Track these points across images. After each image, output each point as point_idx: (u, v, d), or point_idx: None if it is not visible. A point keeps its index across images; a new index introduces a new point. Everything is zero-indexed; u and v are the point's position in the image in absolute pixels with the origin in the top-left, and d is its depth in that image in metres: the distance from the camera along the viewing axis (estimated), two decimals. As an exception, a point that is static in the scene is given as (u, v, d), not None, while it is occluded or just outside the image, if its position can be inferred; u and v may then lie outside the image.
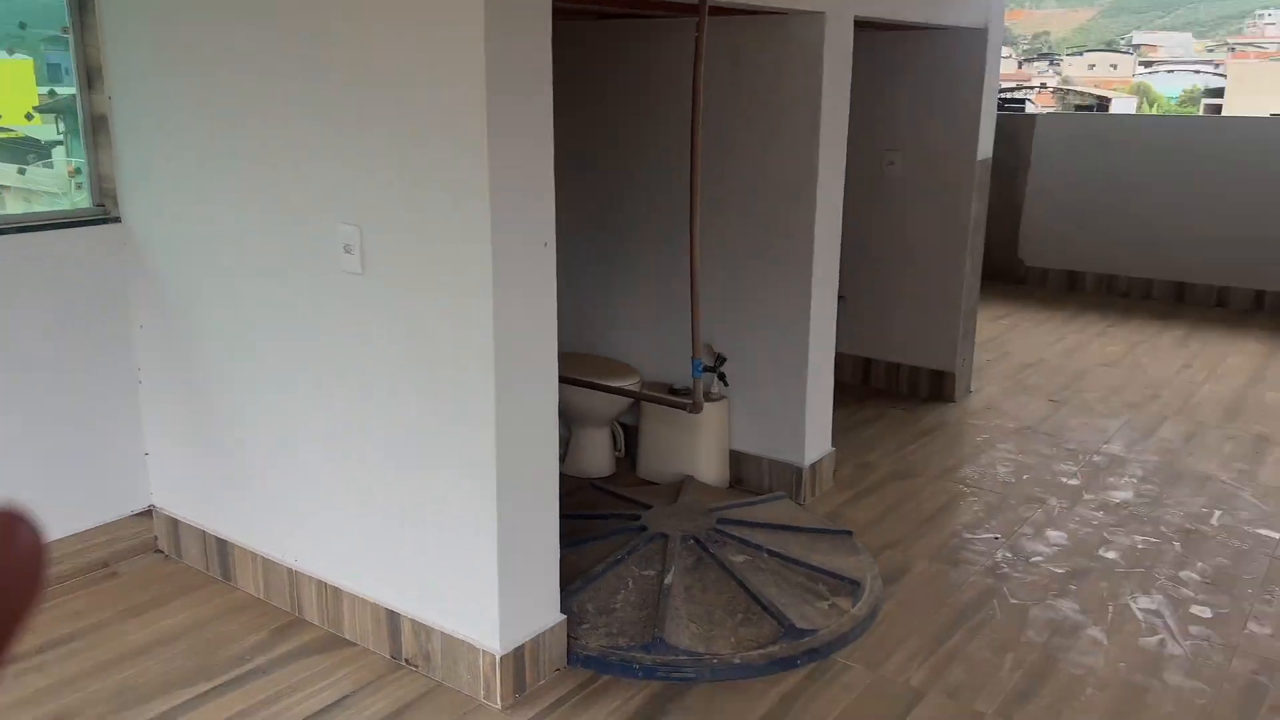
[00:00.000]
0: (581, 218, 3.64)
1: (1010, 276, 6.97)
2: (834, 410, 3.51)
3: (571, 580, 2.63)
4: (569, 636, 2.45)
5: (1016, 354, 5.21)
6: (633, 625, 2.53)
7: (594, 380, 3.31)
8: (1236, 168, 6.14)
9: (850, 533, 3.07)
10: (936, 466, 3.72)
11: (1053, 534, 3.16)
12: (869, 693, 2.36)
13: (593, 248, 3.68)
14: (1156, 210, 6.41)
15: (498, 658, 2.25)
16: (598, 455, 3.54)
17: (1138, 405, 4.41)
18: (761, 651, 2.47)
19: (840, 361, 4.41)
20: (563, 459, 3.36)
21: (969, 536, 3.14)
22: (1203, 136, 6.34)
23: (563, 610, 2.44)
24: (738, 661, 2.45)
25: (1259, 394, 4.57)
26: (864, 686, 2.38)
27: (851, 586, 2.76)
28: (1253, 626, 2.63)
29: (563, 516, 2.42)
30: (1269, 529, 3.20)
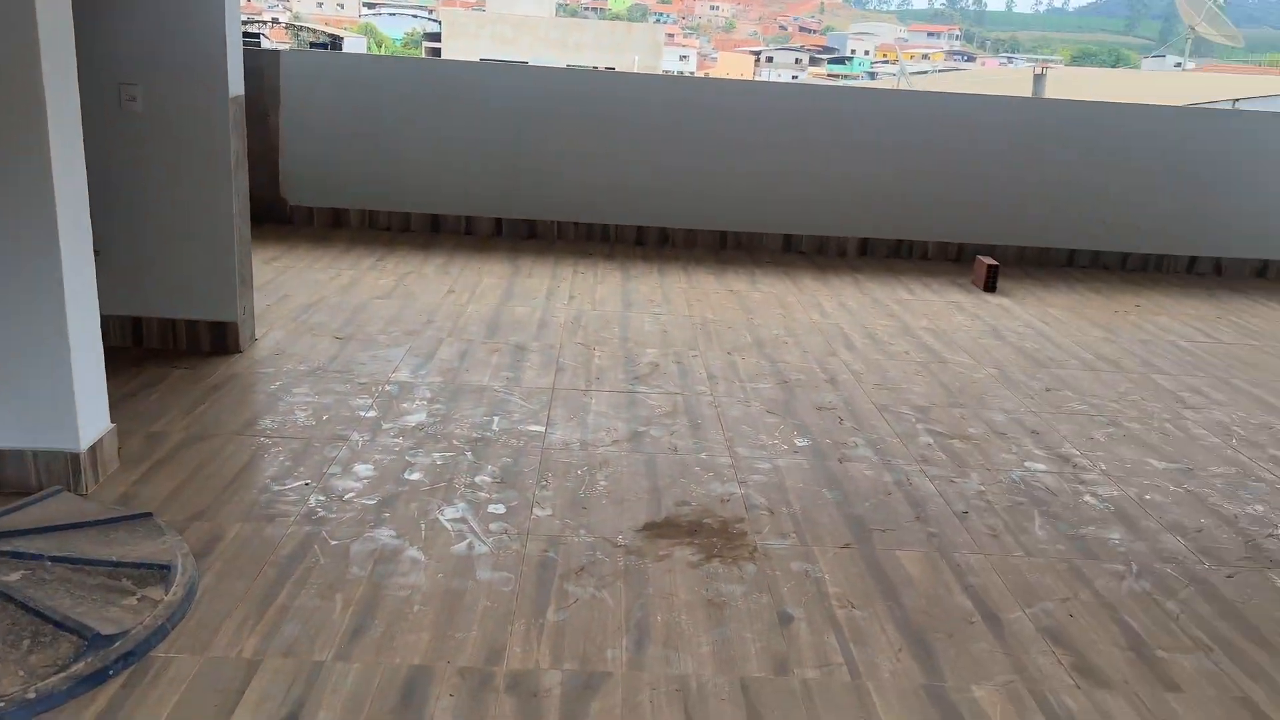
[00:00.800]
0: None
1: (276, 217, 6.87)
2: (108, 381, 3.10)
3: None
4: None
5: (296, 296, 5.19)
6: None
7: None
8: (451, 107, 6.83)
9: (150, 514, 2.77)
10: (233, 423, 3.54)
11: (360, 468, 3.25)
12: (200, 679, 2.18)
13: None
14: (407, 147, 6.85)
15: None
16: None
17: (416, 332, 4.72)
18: (63, 675, 2.12)
19: (106, 324, 3.92)
20: None
21: (279, 489, 3.07)
22: (432, 75, 6.91)
23: None
24: (32, 696, 2.06)
25: (511, 309, 5.23)
26: (193, 675, 2.20)
27: (161, 572, 2.50)
28: (537, 512, 3.03)
29: None
30: (536, 425, 3.70)
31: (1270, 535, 3.22)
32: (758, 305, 5.65)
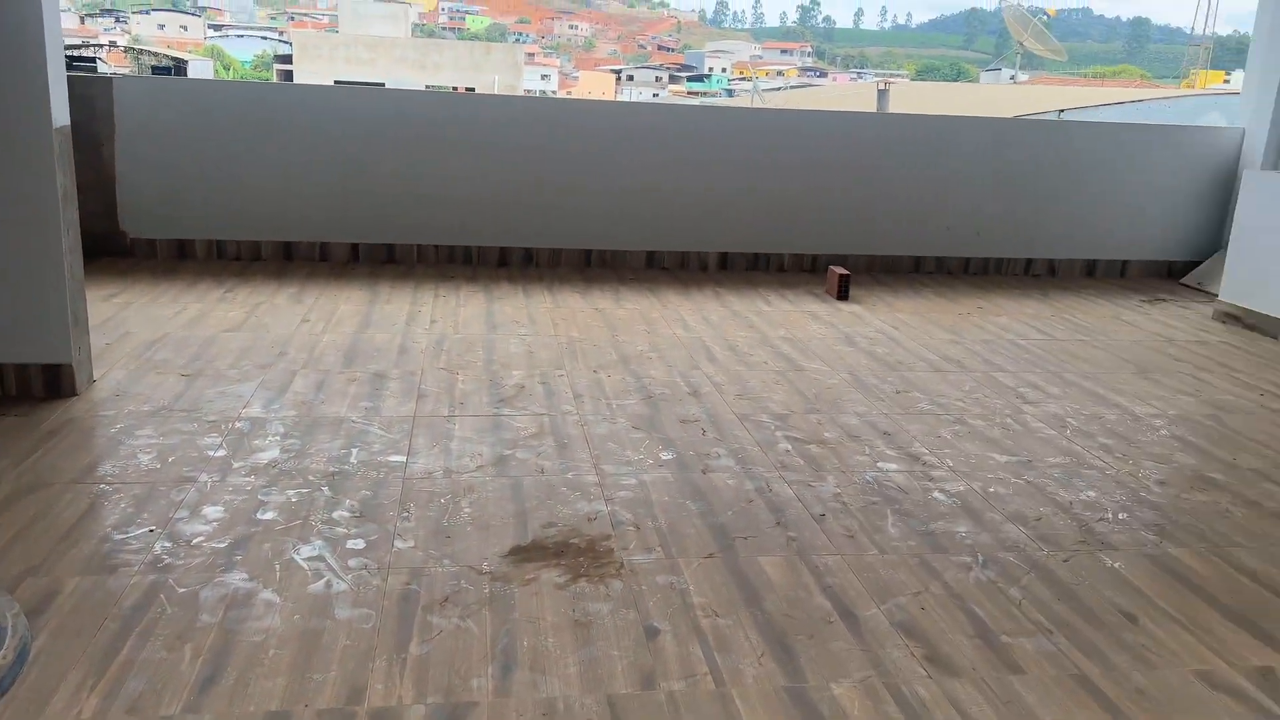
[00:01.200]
0: None
1: (115, 250, 6.55)
2: (-78, 434, 2.89)
3: None
4: None
5: (138, 333, 4.95)
6: None
7: None
8: (302, 132, 6.67)
9: (-26, 574, 2.59)
10: (70, 470, 3.35)
11: (210, 510, 3.12)
12: (35, 748, 2.05)
13: None
14: (256, 173, 6.64)
15: None
16: None
17: (268, 365, 4.57)
18: (-125, 757, 1.96)
19: (-81, 373, 3.65)
20: None
21: (121, 537, 2.92)
22: (282, 99, 6.72)
23: None
24: None
25: (370, 337, 5.12)
26: (28, 744, 2.06)
27: (-11, 636, 2.34)
28: (398, 544, 2.98)
29: None
30: (397, 455, 3.63)
31: (1101, 519, 3.44)
32: (623, 322, 5.70)
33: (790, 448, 3.94)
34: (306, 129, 6.67)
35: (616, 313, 5.91)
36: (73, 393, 3.99)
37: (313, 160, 6.70)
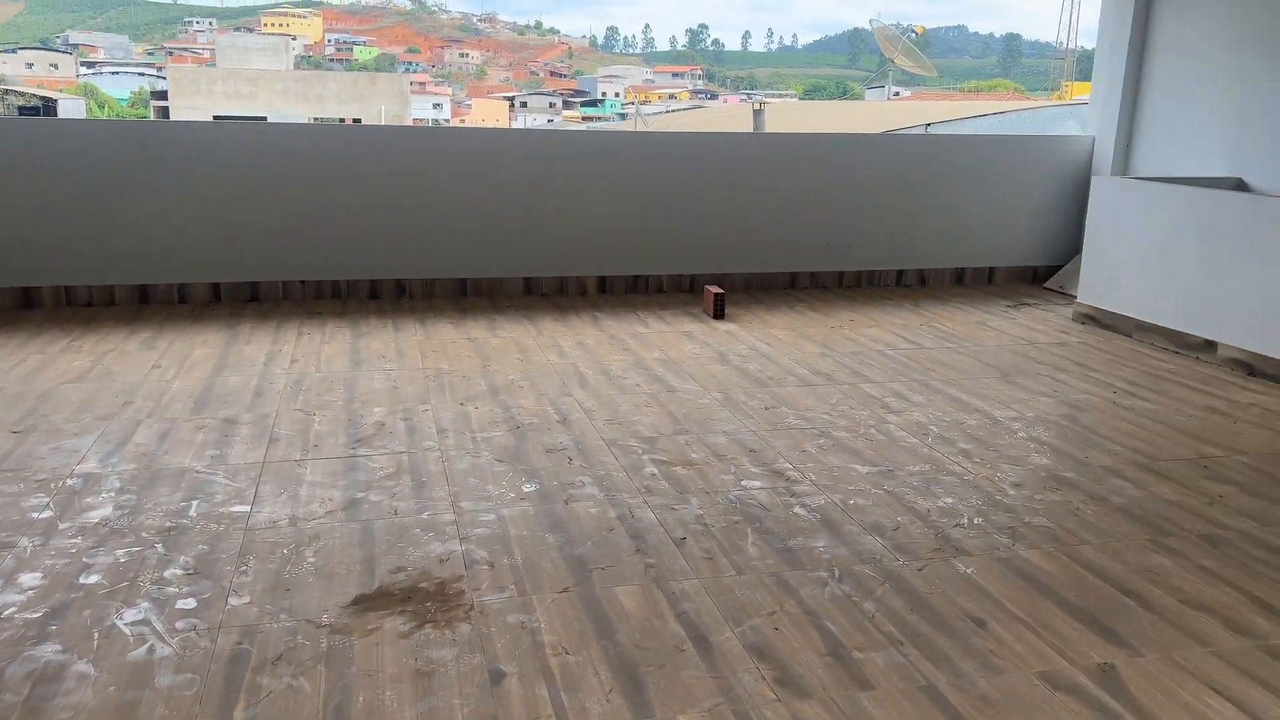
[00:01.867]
0: None
1: (-47, 301, 6.16)
2: None
3: None
4: None
5: (-31, 388, 4.64)
6: None
7: None
8: (153, 170, 6.41)
9: None
10: (-128, 544, 3.09)
11: (26, 578, 2.91)
12: None
13: None
14: (110, 215, 6.33)
15: None
16: None
17: (110, 415, 4.33)
18: None
19: None
20: None
21: (-77, 615, 2.69)
22: (144, 137, 6.44)
23: None
24: None
25: (224, 380, 4.91)
26: None
27: None
28: (233, 600, 2.82)
29: None
30: (241, 504, 3.46)
31: (957, 525, 3.48)
32: (496, 352, 5.60)
33: (656, 471, 3.89)
34: (164, 167, 6.40)
35: (490, 342, 5.80)
36: (-116, 459, 3.70)
37: (170, 199, 6.43)
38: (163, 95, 42.20)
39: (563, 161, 7.11)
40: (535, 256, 7.14)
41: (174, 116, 32.15)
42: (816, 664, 2.59)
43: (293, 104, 31.67)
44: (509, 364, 5.36)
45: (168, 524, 3.29)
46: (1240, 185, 6.81)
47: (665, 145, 7.46)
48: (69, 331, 5.73)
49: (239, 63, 33.95)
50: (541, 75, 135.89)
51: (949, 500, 3.69)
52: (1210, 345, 5.78)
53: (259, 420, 4.34)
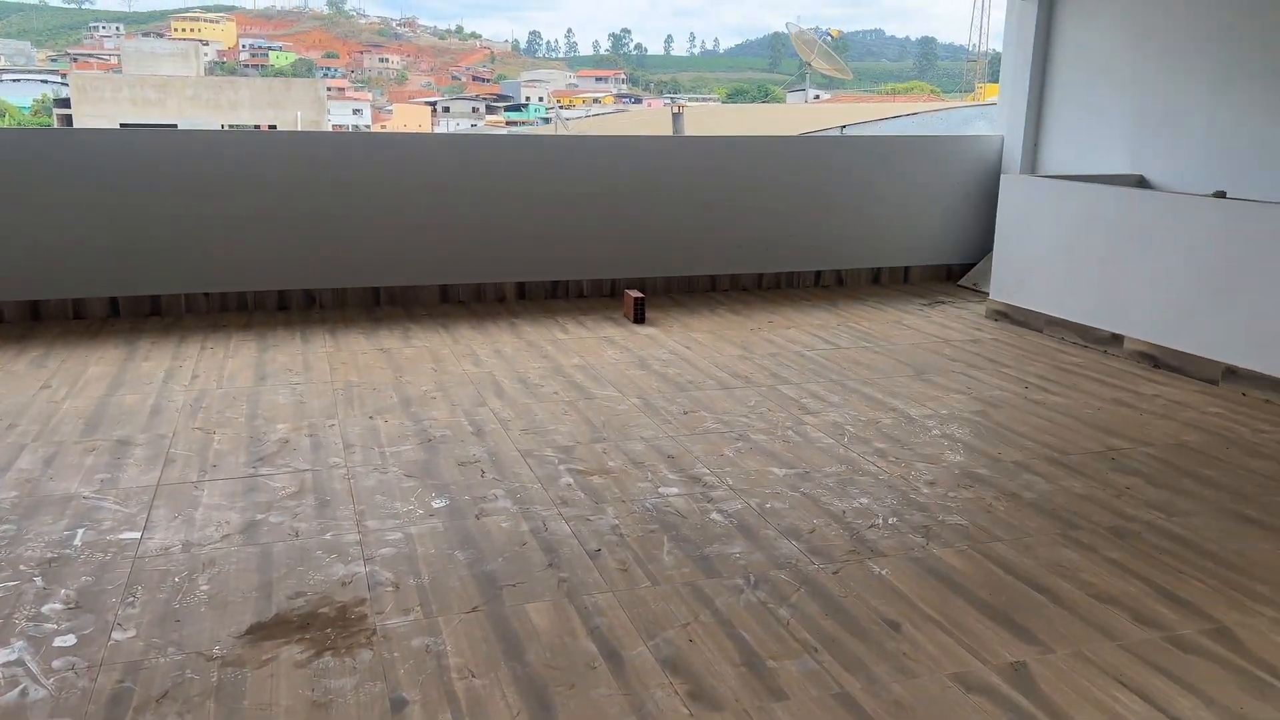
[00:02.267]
0: None
1: None
2: None
3: None
4: None
5: None
6: None
7: None
8: (48, 180, 6.12)
9: None
10: None
11: (-112, 620, 2.70)
12: None
13: None
14: (-13, 229, 6.02)
15: None
16: None
17: (-8, 441, 4.09)
18: None
19: None
20: None
21: None
22: (32, 145, 6.13)
23: None
24: None
25: (120, 399, 4.68)
26: None
27: None
28: (116, 635, 2.66)
29: None
30: (131, 531, 3.29)
31: (872, 526, 3.47)
32: (409, 362, 5.46)
33: (572, 481, 3.81)
34: (54, 177, 6.11)
35: (403, 353, 5.66)
36: None
37: (64, 210, 6.14)
38: (66, 103, 40.71)
39: (480, 166, 6.99)
40: (452, 263, 7.00)
41: (78, 124, 31.03)
42: (730, 675, 2.54)
43: (204, 111, 30.80)
44: (422, 375, 5.23)
45: (49, 554, 3.10)
46: (1141, 182, 7.00)
47: (584, 149, 7.38)
48: (-48, 352, 5.42)
49: (147, 69, 32.91)
50: (464, 80, 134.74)
51: (864, 501, 3.68)
52: (1117, 339, 5.92)
53: (154, 441, 4.14)
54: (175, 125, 30.46)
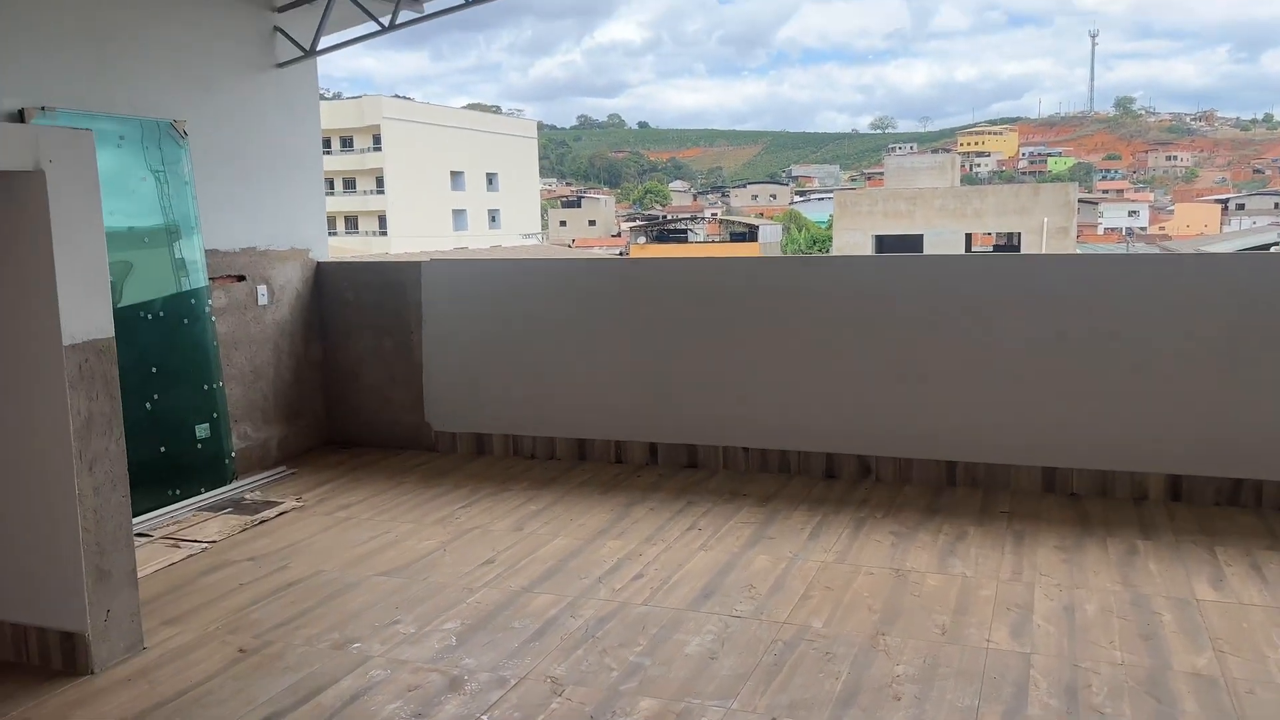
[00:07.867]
0: None
1: (423, 444, 6.06)
2: None
3: None
4: None
5: (293, 566, 4.15)
6: None
7: None
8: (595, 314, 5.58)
9: None
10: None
11: None
12: None
13: None
14: (546, 363, 5.75)
15: None
16: None
17: (360, 637, 3.41)
18: None
19: None
20: None
21: None
22: (566, 274, 5.79)
23: None
24: None
25: (525, 601, 3.75)
26: None
27: None
28: None
29: None
30: None
31: None
32: (923, 604, 3.61)
33: None
34: (604, 307, 5.59)
35: (928, 582, 3.80)
36: (88, 670, 3.20)
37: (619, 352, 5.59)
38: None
39: (1167, 298, 4.72)
40: (1061, 436, 4.81)
41: (836, 239, 33.68)
42: None
43: (949, 220, 30.88)
44: (924, 634, 3.33)
45: None
46: None
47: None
48: (481, 489, 5.11)
49: (906, 182, 34.37)
50: (1268, 173, 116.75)
51: None
52: None
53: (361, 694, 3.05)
54: (921, 236, 31.14)
